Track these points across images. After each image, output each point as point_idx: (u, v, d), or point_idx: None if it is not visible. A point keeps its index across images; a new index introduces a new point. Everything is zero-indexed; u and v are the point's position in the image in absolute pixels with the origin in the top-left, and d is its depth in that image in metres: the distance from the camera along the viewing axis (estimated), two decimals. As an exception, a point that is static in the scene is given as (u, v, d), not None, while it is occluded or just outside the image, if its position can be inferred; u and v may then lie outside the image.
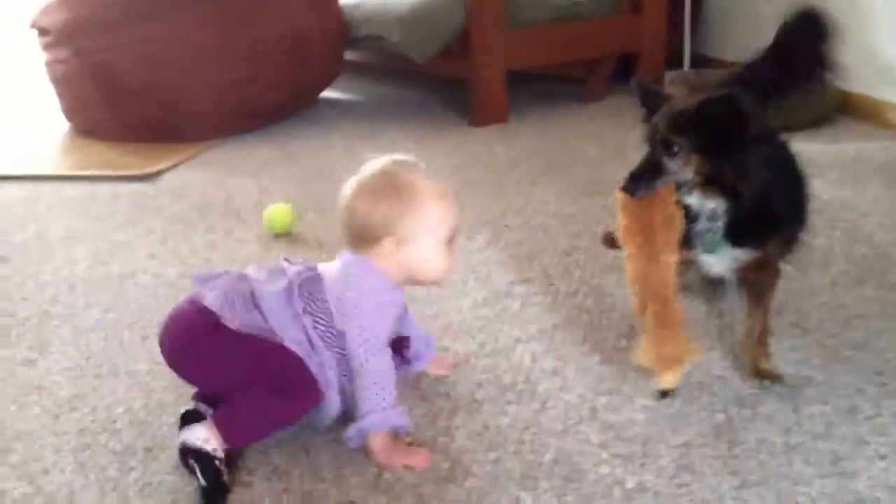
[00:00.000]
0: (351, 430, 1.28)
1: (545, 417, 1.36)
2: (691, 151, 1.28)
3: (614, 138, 3.01)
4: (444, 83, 3.87)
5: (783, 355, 1.50)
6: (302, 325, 1.28)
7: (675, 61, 3.69)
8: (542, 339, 1.62)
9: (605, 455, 1.26)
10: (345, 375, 1.30)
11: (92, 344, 1.69)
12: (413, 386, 1.47)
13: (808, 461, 1.23)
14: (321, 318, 1.29)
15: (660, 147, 1.30)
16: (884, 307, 1.67)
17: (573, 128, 3.22)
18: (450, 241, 1.33)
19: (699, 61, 3.77)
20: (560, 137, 3.09)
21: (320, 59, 3.55)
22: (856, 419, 1.32)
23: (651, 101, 1.39)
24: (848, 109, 3.12)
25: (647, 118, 1.36)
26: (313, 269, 1.34)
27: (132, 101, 3.23)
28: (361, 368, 1.26)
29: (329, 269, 1.34)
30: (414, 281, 1.35)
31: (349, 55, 3.88)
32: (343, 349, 1.29)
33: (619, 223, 1.36)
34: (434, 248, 1.31)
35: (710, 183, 1.30)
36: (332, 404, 1.31)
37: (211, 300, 1.28)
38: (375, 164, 1.33)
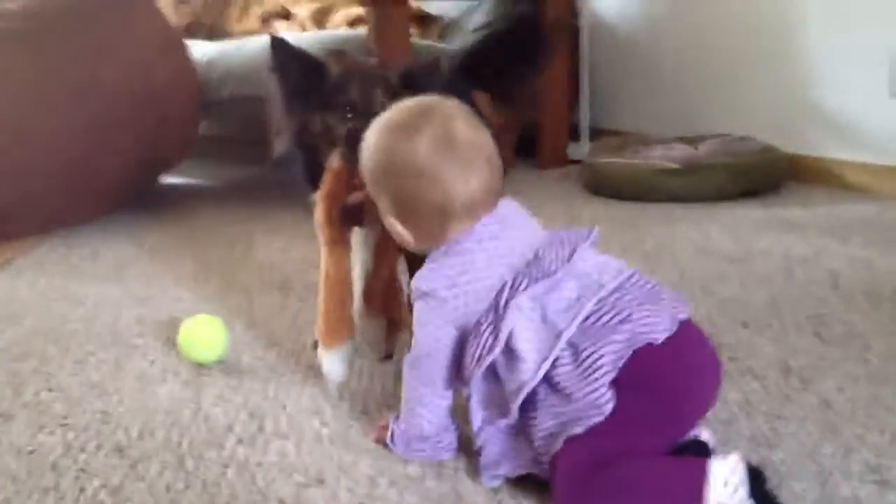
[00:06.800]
0: None
1: None
2: None
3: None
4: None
5: None
6: None
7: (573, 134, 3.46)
8: None
9: None
10: None
11: None
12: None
13: None
14: None
15: None
16: None
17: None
18: None
19: (596, 133, 3.49)
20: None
21: (177, 120, 2.80)
22: None
23: (289, 62, 1.37)
24: (797, 174, 2.82)
25: (278, 72, 1.37)
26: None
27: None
28: None
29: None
30: None
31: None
32: None
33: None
34: None
35: None
36: None
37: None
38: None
